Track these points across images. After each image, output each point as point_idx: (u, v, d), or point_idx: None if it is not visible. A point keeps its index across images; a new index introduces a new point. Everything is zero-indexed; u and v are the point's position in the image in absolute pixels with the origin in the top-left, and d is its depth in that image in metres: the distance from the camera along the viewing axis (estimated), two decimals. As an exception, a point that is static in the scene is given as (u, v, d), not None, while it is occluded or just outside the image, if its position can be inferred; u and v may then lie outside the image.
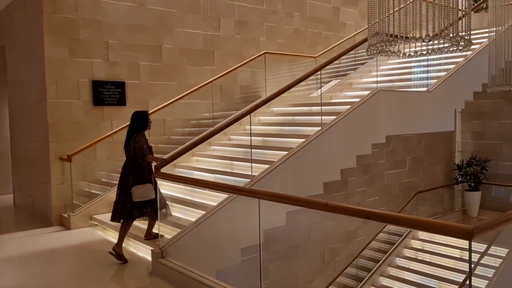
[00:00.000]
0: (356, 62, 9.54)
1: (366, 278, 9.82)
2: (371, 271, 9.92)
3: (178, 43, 7.68)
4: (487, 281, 8.75)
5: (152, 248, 4.79)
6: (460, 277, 9.13)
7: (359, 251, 9.97)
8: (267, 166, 5.68)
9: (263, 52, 8.40)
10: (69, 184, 6.61)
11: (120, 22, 7.10)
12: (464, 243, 10.03)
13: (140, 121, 5.25)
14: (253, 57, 8.28)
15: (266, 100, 5.68)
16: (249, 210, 5.39)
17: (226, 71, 7.91)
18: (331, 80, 9.51)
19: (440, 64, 8.16)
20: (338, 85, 9.27)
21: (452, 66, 7.84)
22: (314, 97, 8.89)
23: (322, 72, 9.67)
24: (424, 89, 7.31)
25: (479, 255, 8.70)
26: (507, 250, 9.18)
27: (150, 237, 5.43)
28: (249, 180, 5.45)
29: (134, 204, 5.16)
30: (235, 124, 8.09)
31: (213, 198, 5.82)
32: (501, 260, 9.10)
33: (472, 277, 8.43)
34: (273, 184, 5.45)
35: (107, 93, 6.96)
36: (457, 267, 9.53)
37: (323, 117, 7.12)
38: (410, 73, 9.05)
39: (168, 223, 5.32)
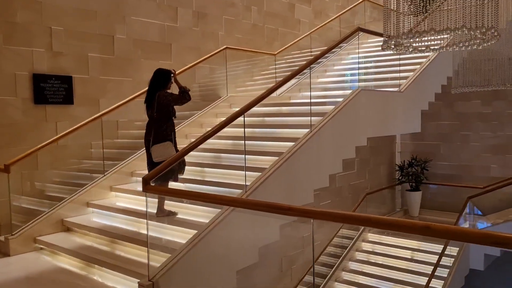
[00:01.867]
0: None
1: (322, 285, 9.52)
2: (326, 277, 9.63)
3: (132, 33, 6.67)
4: (443, 281, 8.82)
5: (139, 280, 3.87)
6: (413, 279, 9.12)
7: (315, 259, 9.61)
8: (250, 173, 5.00)
9: (224, 47, 7.65)
10: (5, 200, 5.36)
11: (66, 5, 5.95)
12: (413, 244, 10.11)
13: (162, 80, 5.28)
14: (214, 52, 7.49)
15: (260, 98, 4.97)
16: (244, 226, 4.69)
17: (185, 67, 7.04)
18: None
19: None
20: (296, 85, 8.84)
21: (416, 67, 7.74)
22: (275, 96, 8.33)
23: (278, 72, 9.31)
24: (396, 89, 7.09)
25: (437, 256, 8.72)
26: (457, 248, 9.36)
27: (162, 214, 4.96)
28: (241, 191, 4.72)
29: (155, 165, 4.63)
30: (197, 126, 7.36)
31: (193, 213, 5.01)
32: (453, 259, 9.25)
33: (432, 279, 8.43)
34: (266, 195, 4.78)
35: (51, 89, 5.78)
36: (410, 268, 9.52)
37: (295, 118, 6.62)
38: (368, 73, 8.86)
39: (153, 247, 4.40)
